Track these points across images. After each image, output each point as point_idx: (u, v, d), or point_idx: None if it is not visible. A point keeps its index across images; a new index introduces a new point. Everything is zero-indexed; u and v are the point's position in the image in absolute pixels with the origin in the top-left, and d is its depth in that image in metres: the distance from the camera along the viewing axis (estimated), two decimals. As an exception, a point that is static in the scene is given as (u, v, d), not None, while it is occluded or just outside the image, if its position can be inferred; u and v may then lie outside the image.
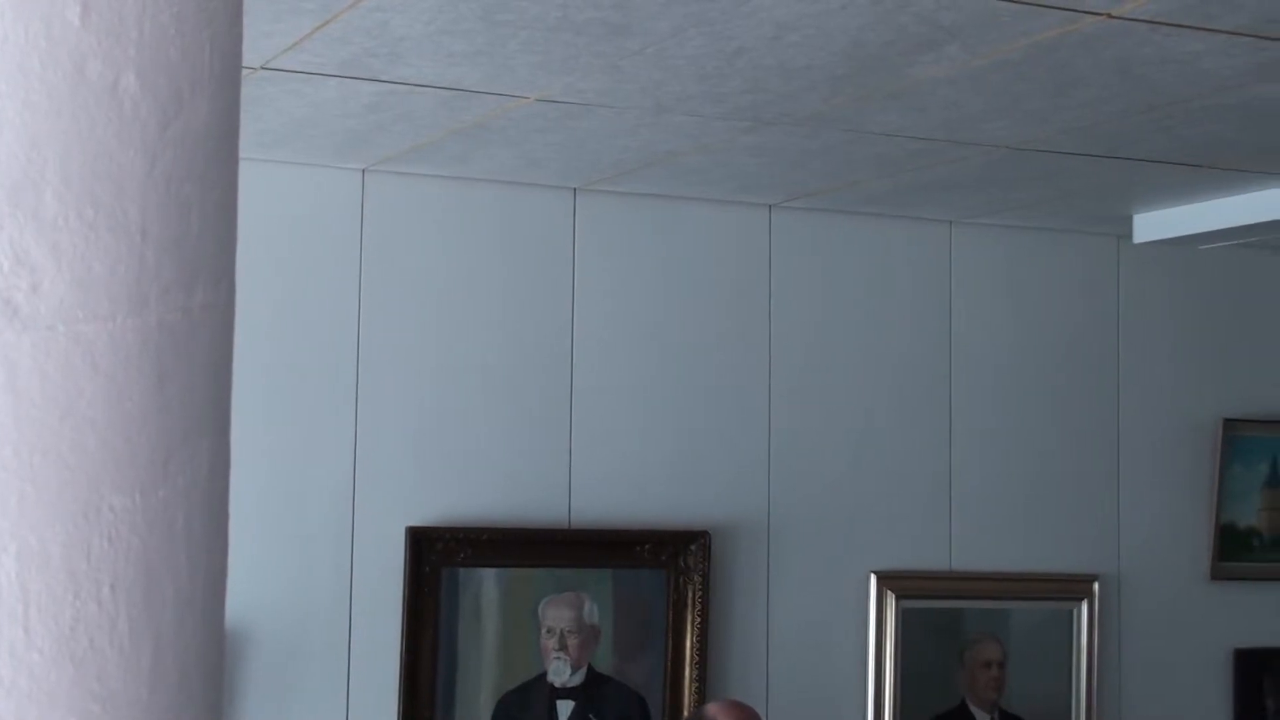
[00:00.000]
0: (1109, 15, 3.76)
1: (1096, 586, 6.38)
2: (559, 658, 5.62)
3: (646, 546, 5.73)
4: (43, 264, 1.32)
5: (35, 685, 1.30)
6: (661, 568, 5.75)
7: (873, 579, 6.06)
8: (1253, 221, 5.85)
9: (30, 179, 1.31)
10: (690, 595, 5.76)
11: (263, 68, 4.25)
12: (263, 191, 5.20)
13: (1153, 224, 6.18)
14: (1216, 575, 6.58)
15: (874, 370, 6.15)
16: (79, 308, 1.32)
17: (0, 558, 1.31)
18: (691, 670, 5.73)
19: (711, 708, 4.76)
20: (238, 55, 1.43)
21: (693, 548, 5.75)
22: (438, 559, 5.47)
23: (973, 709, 6.21)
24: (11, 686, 1.30)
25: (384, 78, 4.36)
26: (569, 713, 5.63)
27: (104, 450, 1.32)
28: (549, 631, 5.63)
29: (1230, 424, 6.57)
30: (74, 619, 1.31)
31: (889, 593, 6.06)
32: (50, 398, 1.32)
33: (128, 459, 1.33)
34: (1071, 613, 6.36)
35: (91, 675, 1.32)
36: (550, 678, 5.62)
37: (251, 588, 5.19)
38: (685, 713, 5.59)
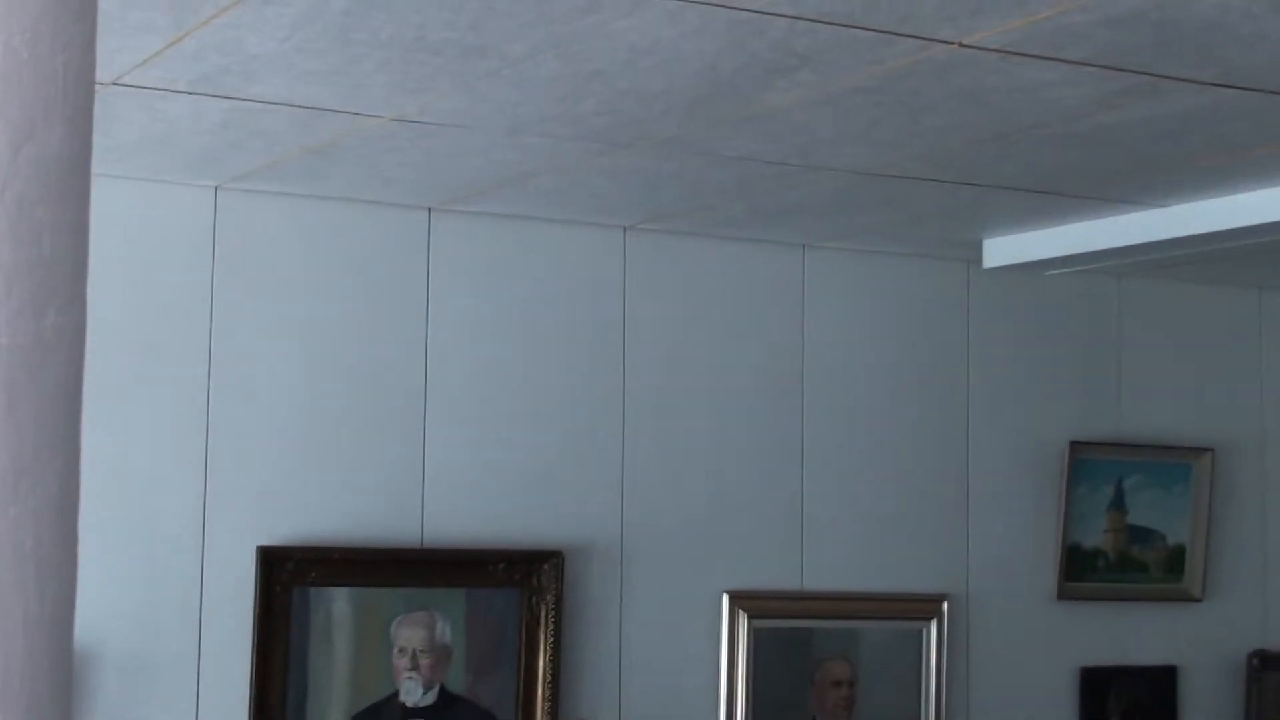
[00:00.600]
0: (960, 44, 3.82)
1: (945, 606, 6.45)
2: (411, 677, 5.60)
3: (500, 566, 5.73)
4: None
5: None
6: (515, 587, 5.75)
7: (725, 599, 6.09)
8: (1098, 248, 5.96)
9: (-122, 199, 1.30)
10: (544, 615, 5.76)
11: (114, 83, 4.21)
12: (113, 207, 5.15)
13: (1001, 249, 6.27)
14: (1063, 595, 6.68)
15: (727, 392, 6.18)
16: (-72, 329, 1.31)
17: None
18: (544, 690, 5.73)
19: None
20: (91, 78, 1.43)
21: (546, 567, 5.76)
22: (289, 578, 5.43)
23: (823, 728, 6.26)
24: None
25: (237, 95, 4.33)
26: (421, 733, 5.61)
27: (-50, 472, 1.31)
28: (401, 651, 5.61)
29: (1076, 446, 6.68)
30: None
31: (741, 612, 6.09)
32: (-102, 418, 1.30)
33: (-25, 481, 1.32)
34: (921, 632, 6.42)
35: (-63, 699, 1.30)
36: (402, 698, 5.60)
37: (100, 606, 5.13)
38: (537, 733, 5.58)
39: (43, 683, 1.38)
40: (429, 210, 5.73)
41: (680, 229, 6.02)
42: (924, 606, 6.44)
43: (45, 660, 1.39)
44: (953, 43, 3.81)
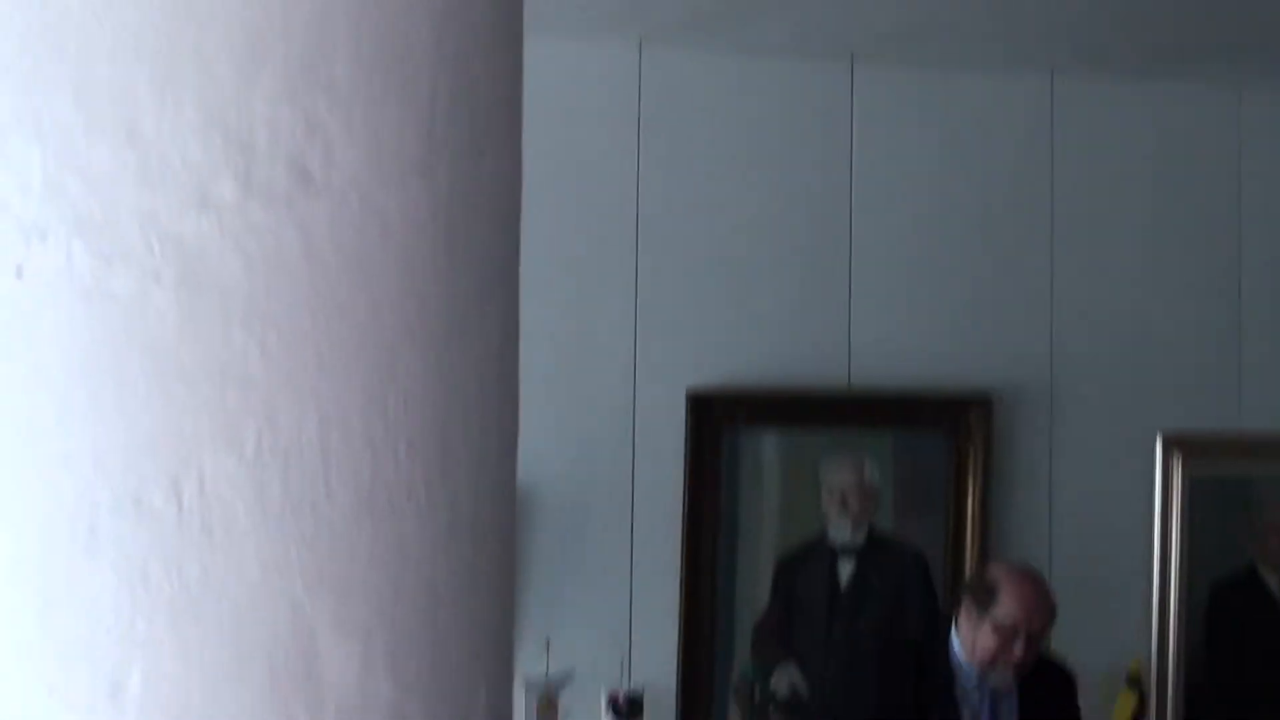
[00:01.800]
0: None
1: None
2: (840, 518, 5.64)
3: (928, 409, 5.71)
4: (335, 133, 1.35)
5: (336, 542, 1.35)
6: (943, 431, 5.73)
7: (1159, 441, 5.96)
8: None
9: (323, 51, 1.34)
10: (972, 458, 5.72)
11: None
12: (541, 66, 5.23)
13: None
14: None
15: (1158, 226, 6.01)
16: (371, 175, 1.36)
17: (300, 420, 1.35)
18: (974, 533, 5.71)
19: (996, 569, 4.74)
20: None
21: (974, 411, 5.72)
22: (718, 421, 5.51)
23: (1262, 572, 6.10)
24: (314, 542, 1.35)
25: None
26: (850, 572, 5.66)
27: (397, 315, 1.36)
28: (830, 492, 5.65)
29: None
30: (372, 478, 1.36)
31: (1176, 455, 5.95)
32: (344, 264, 1.36)
33: (419, 323, 1.37)
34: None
35: (390, 532, 1.36)
36: (831, 537, 5.65)
37: (538, 451, 5.28)
38: (966, 575, 5.57)
39: (488, 519, 1.44)
40: (850, 59, 5.67)
41: (1112, 70, 5.84)
42: (1371, 450, 6.19)
43: (490, 498, 1.44)
44: None
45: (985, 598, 4.55)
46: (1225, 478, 6.04)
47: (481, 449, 1.41)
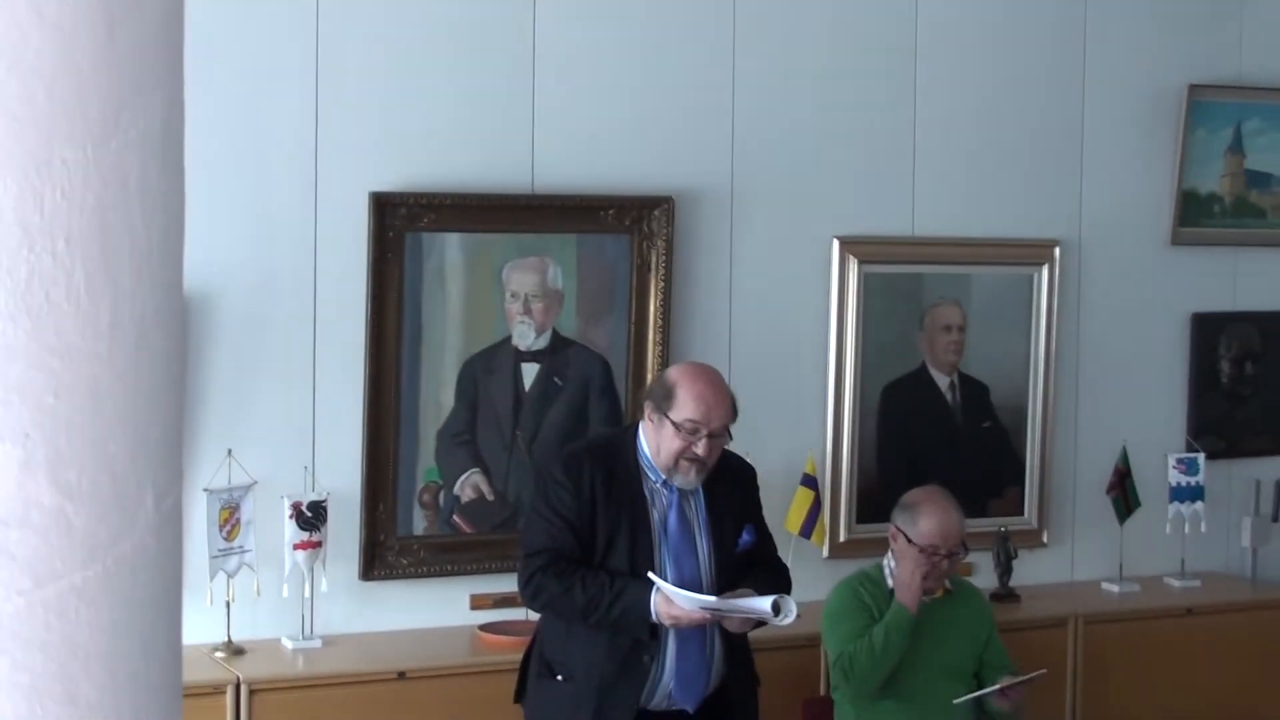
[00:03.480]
0: None
1: (1057, 251, 6.40)
2: (523, 322, 5.65)
3: (610, 211, 5.73)
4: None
5: (-8, 341, 1.30)
6: (625, 233, 5.75)
7: (835, 243, 6.07)
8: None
9: None
10: (654, 260, 5.77)
11: None
12: None
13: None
14: (1177, 240, 6.62)
15: (839, 33, 6.08)
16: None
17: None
18: (655, 334, 5.77)
19: (673, 371, 4.79)
20: None
21: (656, 213, 5.75)
22: (401, 224, 5.45)
23: (932, 372, 6.28)
24: (-31, 340, 1.29)
25: None
26: (534, 376, 5.68)
27: (53, 102, 1.30)
28: (513, 296, 5.64)
29: (1195, 89, 6.54)
30: (29, 273, 1.30)
31: (851, 257, 6.08)
32: (-4, 49, 1.29)
33: (78, 111, 1.31)
34: (1032, 278, 6.39)
35: (49, 329, 1.31)
36: (515, 341, 5.65)
37: (215, 254, 5.18)
38: (649, 376, 5.63)
39: (152, 317, 1.39)
40: None
41: None
42: (1036, 251, 6.40)
43: (154, 294, 1.40)
44: None
45: (665, 399, 4.60)
46: (897, 278, 6.18)
47: (145, 246, 1.37)
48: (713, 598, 4.49)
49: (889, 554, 5.24)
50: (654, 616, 4.49)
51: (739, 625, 4.60)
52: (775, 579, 4.68)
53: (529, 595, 4.67)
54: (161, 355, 1.40)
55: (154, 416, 1.37)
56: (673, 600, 4.46)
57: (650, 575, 4.50)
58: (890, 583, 5.21)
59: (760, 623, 4.58)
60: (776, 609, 4.44)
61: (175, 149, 1.42)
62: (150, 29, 1.36)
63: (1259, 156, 6.74)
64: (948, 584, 5.28)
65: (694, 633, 4.59)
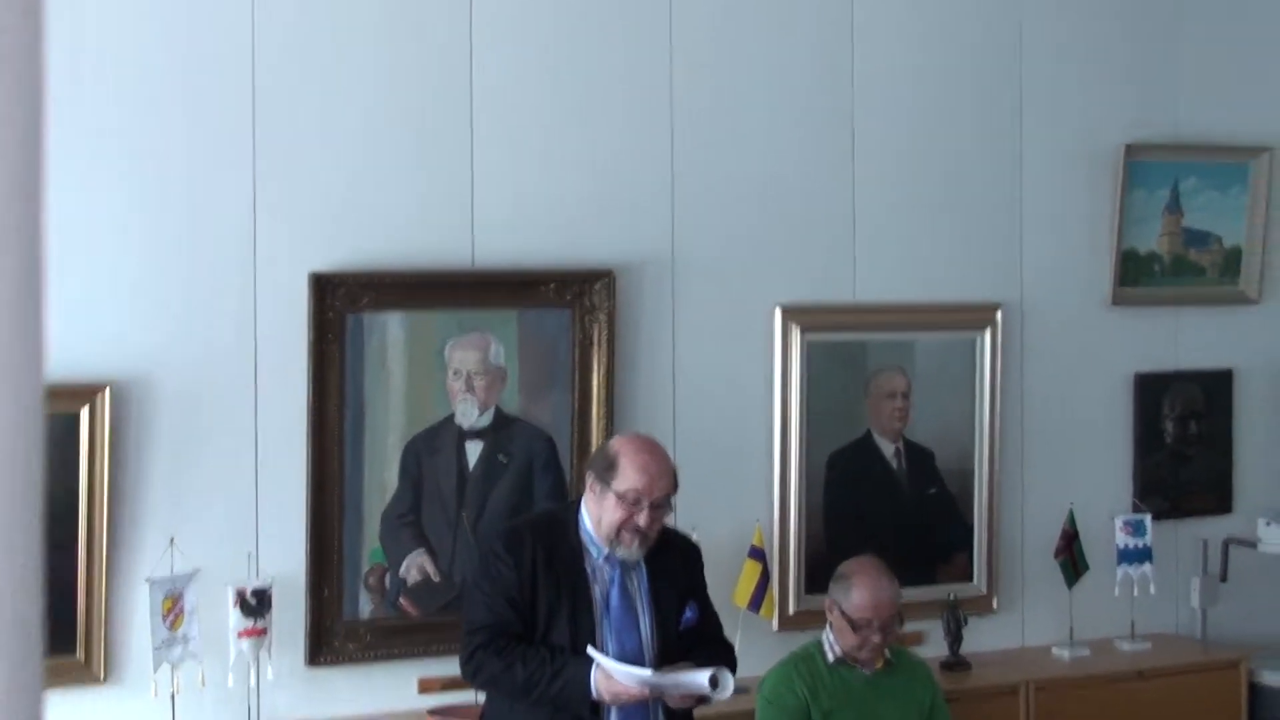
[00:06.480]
0: None
1: (999, 314, 6.41)
2: (466, 399, 5.61)
3: (551, 286, 5.70)
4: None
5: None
6: (567, 307, 5.73)
7: (778, 312, 6.06)
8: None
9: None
10: (596, 334, 5.74)
11: None
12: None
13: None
14: (1118, 300, 6.64)
15: (777, 105, 6.08)
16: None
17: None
18: (599, 408, 5.74)
19: (615, 442, 4.77)
20: None
21: (598, 286, 5.73)
22: (342, 304, 5.42)
23: (877, 439, 6.27)
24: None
25: None
26: (478, 454, 5.64)
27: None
28: (455, 374, 5.61)
29: (1132, 149, 6.57)
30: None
31: (794, 326, 6.06)
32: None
33: None
34: (974, 341, 6.40)
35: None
36: (458, 420, 5.62)
37: (155, 337, 5.14)
38: (593, 450, 5.60)
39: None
40: (467, -74, 5.58)
41: (725, -62, 5.86)
42: (978, 315, 6.40)
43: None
44: None
45: (607, 469, 4.59)
46: (840, 346, 6.17)
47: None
48: (649, 672, 4.46)
49: (828, 626, 5.21)
50: (594, 693, 4.45)
51: (679, 701, 4.57)
52: (719, 655, 4.65)
53: (470, 672, 4.63)
54: (12, 451, 1.32)
55: (8, 518, 1.29)
56: (612, 676, 4.43)
57: (590, 650, 4.46)
58: (830, 656, 5.18)
59: (702, 698, 4.54)
60: (714, 683, 4.42)
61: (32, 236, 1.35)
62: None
63: (1197, 215, 6.78)
64: (887, 654, 5.25)
65: (636, 709, 4.55)
